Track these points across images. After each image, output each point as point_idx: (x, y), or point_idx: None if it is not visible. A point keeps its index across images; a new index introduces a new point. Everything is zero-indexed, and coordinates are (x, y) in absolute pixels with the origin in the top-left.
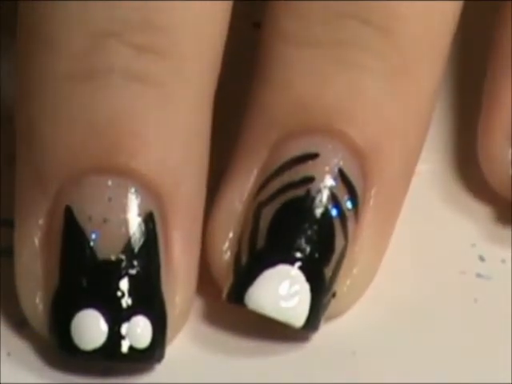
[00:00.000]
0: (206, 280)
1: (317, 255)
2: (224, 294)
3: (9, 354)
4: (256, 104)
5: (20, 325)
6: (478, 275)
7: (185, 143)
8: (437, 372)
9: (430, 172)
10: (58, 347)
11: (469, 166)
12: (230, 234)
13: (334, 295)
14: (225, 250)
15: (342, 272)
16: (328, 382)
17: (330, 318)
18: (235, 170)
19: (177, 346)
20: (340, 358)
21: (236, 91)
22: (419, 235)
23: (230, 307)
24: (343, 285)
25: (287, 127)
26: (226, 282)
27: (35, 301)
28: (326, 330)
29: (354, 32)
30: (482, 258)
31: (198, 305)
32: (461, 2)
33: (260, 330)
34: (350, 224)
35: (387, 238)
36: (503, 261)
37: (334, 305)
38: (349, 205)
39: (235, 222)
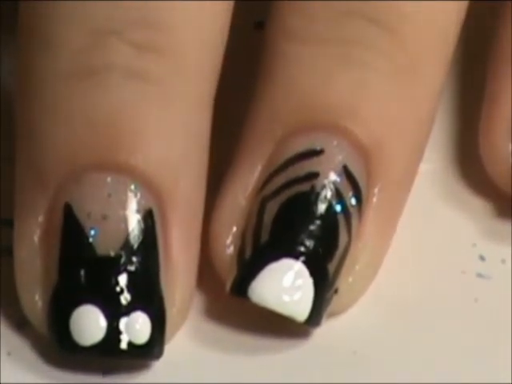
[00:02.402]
0: (206, 278)
1: (321, 250)
2: (227, 287)
3: (9, 354)
4: (260, 101)
5: (20, 325)
6: (479, 275)
7: (184, 141)
8: (437, 372)
9: (431, 172)
10: (57, 344)
11: (469, 166)
12: (234, 229)
13: (336, 291)
14: (228, 245)
15: (344, 269)
16: (328, 382)
17: (332, 315)
18: (239, 165)
19: (176, 345)
20: (341, 357)
21: (236, 91)
22: (420, 235)
23: (230, 305)
24: (345, 282)
25: (292, 124)
26: (230, 276)
27: (34, 298)
28: (327, 329)
29: (359, 31)
30: (482, 258)
31: (198, 303)
32: (466, 3)
33: (260, 328)
34: (354, 221)
35: (389, 237)
36: (503, 261)
37: (336, 301)
38: (353, 201)
39: (239, 217)
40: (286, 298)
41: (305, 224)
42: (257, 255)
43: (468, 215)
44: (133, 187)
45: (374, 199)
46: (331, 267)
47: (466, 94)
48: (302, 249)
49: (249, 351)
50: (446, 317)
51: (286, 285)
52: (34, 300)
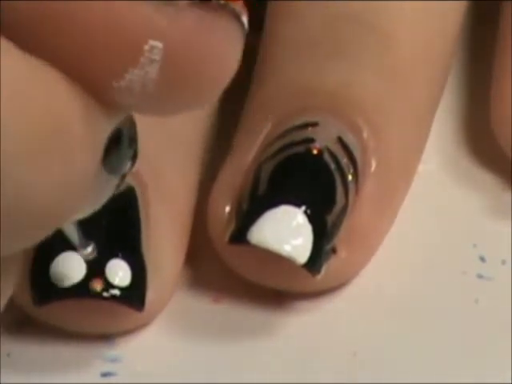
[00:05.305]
0: (203, 281)
1: (319, 200)
2: (227, 239)
3: (9, 355)
4: (257, 93)
5: (20, 325)
6: (479, 276)
7: (169, 132)
8: (437, 372)
9: (430, 172)
10: (37, 293)
11: (469, 167)
12: (231, 197)
13: (334, 251)
14: (226, 212)
15: (342, 234)
16: (328, 383)
17: (336, 282)
18: (238, 144)
19: (173, 348)
20: (341, 358)
21: (235, 92)
22: (420, 235)
23: (229, 307)
24: (345, 249)
25: (288, 108)
26: (228, 230)
27: None
28: (327, 330)
29: (349, 33)
30: (482, 259)
31: (197, 306)
32: (463, 5)
33: (260, 330)
34: (351, 186)
35: (386, 217)
36: (504, 261)
37: (337, 268)
38: (349, 167)
39: (236, 187)
40: (286, 239)
41: (302, 176)
42: (255, 204)
43: (468, 216)
44: None
45: (371, 178)
46: (329, 219)
47: (465, 95)
48: (300, 197)
49: (249, 352)
50: (447, 317)
51: (285, 227)
52: None
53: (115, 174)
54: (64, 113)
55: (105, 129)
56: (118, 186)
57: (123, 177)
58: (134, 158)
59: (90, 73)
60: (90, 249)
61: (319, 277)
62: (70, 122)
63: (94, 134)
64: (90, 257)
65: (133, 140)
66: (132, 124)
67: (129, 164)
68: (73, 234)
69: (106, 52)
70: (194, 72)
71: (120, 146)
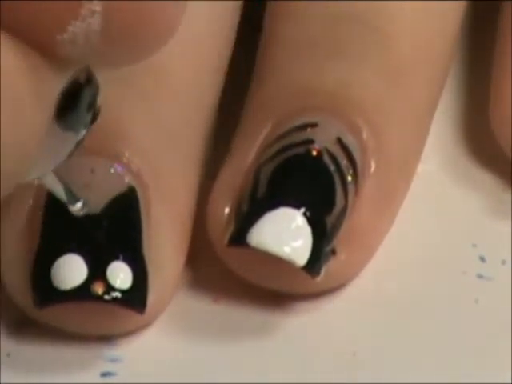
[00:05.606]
0: (203, 282)
1: (318, 202)
2: (226, 241)
3: (9, 355)
4: (257, 94)
5: (20, 325)
6: (479, 276)
7: (170, 133)
8: (437, 372)
9: (430, 172)
10: (37, 296)
11: (468, 167)
12: (231, 198)
13: (334, 252)
14: (225, 214)
15: (341, 236)
16: (328, 382)
17: (336, 283)
18: (237, 145)
19: (174, 348)
20: (340, 358)
21: (235, 92)
22: (420, 235)
23: (229, 307)
24: (344, 251)
25: (288, 108)
26: (227, 231)
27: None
28: (327, 330)
29: (352, 33)
30: (482, 259)
31: (197, 307)
32: (463, 5)
33: (260, 330)
34: (350, 187)
35: (386, 218)
36: (504, 261)
37: (336, 270)
38: (348, 168)
39: (236, 188)
40: (286, 242)
41: (302, 177)
42: (254, 206)
43: (468, 216)
44: (116, 167)
45: (371, 178)
46: (329, 221)
47: (464, 95)
48: (300, 199)
49: (249, 353)
50: (447, 317)
51: (284, 229)
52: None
53: (71, 131)
54: (10, 73)
55: (54, 86)
56: (74, 149)
57: (78, 144)
58: (92, 123)
59: (32, 29)
60: (79, 205)
61: (319, 279)
62: (16, 82)
63: (43, 91)
64: (81, 212)
65: (91, 105)
66: (94, 89)
67: (84, 131)
68: (60, 192)
69: (46, 6)
70: (136, 22)
71: (77, 106)
